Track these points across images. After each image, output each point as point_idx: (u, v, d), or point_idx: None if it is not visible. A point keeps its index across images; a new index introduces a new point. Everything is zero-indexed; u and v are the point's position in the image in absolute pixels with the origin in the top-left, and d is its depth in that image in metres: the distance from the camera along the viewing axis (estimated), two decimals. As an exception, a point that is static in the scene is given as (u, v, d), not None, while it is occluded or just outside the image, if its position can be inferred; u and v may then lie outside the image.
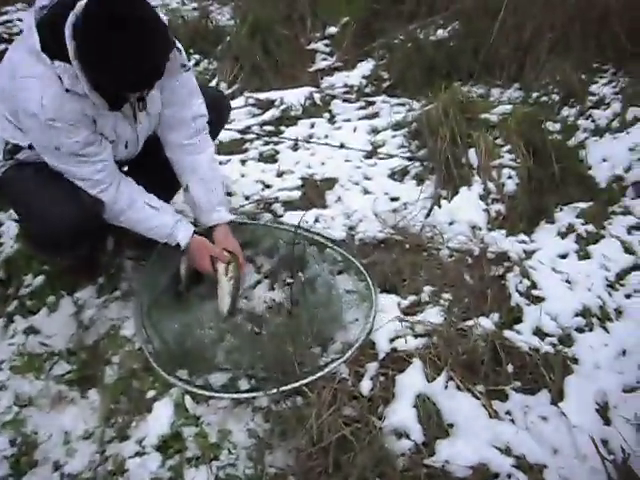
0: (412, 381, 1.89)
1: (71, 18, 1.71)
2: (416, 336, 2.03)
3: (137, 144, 2.12)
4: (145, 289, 2.29)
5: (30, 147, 1.96)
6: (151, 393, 1.97)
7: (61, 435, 1.89)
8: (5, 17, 5.19)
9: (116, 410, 1.94)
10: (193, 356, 2.02)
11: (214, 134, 2.38)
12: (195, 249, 2.17)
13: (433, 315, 2.10)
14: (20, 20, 5.03)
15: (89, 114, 1.84)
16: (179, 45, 1.96)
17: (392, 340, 2.03)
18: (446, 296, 2.20)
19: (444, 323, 2.05)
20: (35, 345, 2.18)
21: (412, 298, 2.20)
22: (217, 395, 1.89)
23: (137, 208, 2.07)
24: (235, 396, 1.88)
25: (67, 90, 1.75)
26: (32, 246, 2.34)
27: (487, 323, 2.06)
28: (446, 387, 1.87)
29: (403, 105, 3.50)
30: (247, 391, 1.89)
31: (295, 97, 3.56)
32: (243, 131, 3.34)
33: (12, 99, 1.83)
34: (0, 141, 1.99)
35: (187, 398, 1.92)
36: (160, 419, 1.87)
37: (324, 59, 3.97)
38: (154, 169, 2.19)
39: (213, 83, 3.81)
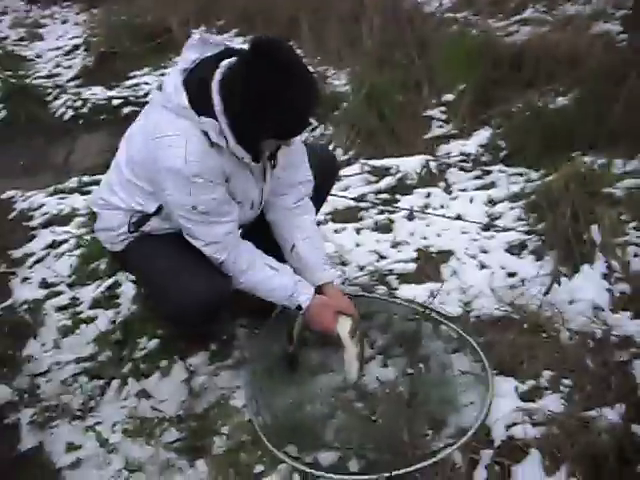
0: (529, 473, 1.81)
1: (218, 75, 1.84)
2: (534, 424, 1.95)
3: (260, 205, 2.20)
4: (257, 358, 2.33)
5: (156, 213, 2.06)
6: (259, 468, 1.97)
7: (168, 504, 1.94)
8: (133, 81, 5.54)
9: (222, 484, 1.96)
10: (302, 432, 2.02)
11: (324, 191, 2.46)
12: (318, 308, 2.15)
13: (553, 402, 2.01)
14: (147, 83, 5.38)
15: (226, 172, 1.94)
16: None
17: (508, 427, 1.95)
18: (566, 382, 2.10)
19: (565, 412, 1.97)
20: (147, 409, 2.25)
21: (530, 383, 2.11)
22: (327, 475, 1.88)
23: (257, 269, 2.11)
24: (345, 477, 1.87)
25: (212, 145, 1.86)
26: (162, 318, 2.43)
27: (612, 414, 1.95)
28: (567, 484, 1.78)
29: (521, 175, 3.44)
30: (356, 473, 1.87)
31: (411, 165, 3.58)
32: (358, 199, 3.39)
33: (148, 161, 1.95)
34: (125, 214, 2.11)
35: (295, 476, 1.91)
36: (267, 496, 1.88)
37: (440, 126, 3.98)
38: (266, 231, 2.29)
39: (330, 150, 3.89)
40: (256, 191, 2.12)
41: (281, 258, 2.32)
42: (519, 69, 4.08)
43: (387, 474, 1.82)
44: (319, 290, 2.23)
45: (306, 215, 2.29)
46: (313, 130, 4.17)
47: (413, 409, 2.05)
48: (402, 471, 1.83)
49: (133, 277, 2.65)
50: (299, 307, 2.15)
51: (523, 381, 2.12)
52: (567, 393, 2.06)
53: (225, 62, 1.87)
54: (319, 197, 2.45)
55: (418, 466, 1.84)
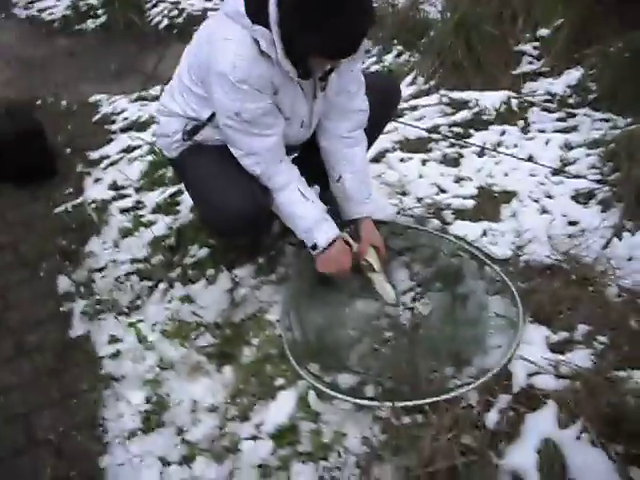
0: (542, 423, 1.78)
1: None
2: (558, 376, 1.91)
3: (310, 126, 2.19)
4: (299, 277, 2.37)
5: (209, 120, 2.10)
6: (280, 381, 2.04)
7: (190, 403, 2.04)
8: None
9: (244, 390, 2.04)
10: (327, 352, 2.07)
11: (382, 122, 2.43)
12: (337, 252, 2.17)
13: (582, 357, 1.95)
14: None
15: (275, 83, 1.94)
16: None
17: (530, 375, 1.92)
18: (602, 339, 2.03)
19: (592, 368, 1.91)
20: (187, 313, 2.35)
21: (563, 334, 2.06)
22: (340, 396, 1.92)
23: (288, 190, 2.12)
24: (357, 401, 1.90)
25: (261, 53, 1.85)
26: (204, 225, 2.50)
27: (642, 378, 1.89)
28: (578, 438, 1.74)
29: (607, 121, 3.25)
30: (370, 399, 1.91)
31: (491, 100, 3.45)
32: (430, 130, 3.31)
33: (203, 64, 1.97)
34: (181, 122, 2.15)
35: (312, 393, 1.97)
36: (281, 408, 1.94)
37: (530, 62, 3.78)
38: (316, 160, 2.28)
39: (410, 77, 3.79)
40: (305, 108, 2.10)
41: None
42: (628, 4, 3.78)
43: (396, 403, 1.84)
44: (356, 223, 2.28)
45: (357, 147, 2.27)
46: (398, 56, 4.06)
47: (439, 344, 2.04)
48: (411, 403, 1.85)
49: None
50: (314, 246, 2.15)
51: (556, 331, 2.07)
52: (600, 350, 1.99)
53: None
54: (376, 128, 2.42)
55: (428, 400, 1.85)
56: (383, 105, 2.36)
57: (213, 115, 2.09)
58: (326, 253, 2.15)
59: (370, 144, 2.43)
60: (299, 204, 2.12)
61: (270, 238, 2.57)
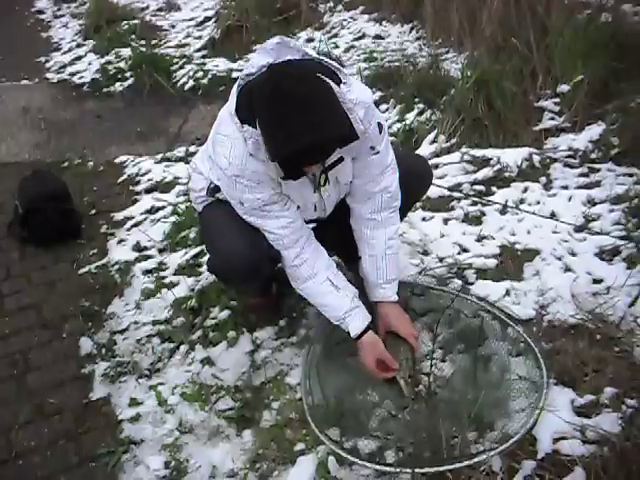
0: (570, 492, 1.74)
1: None
2: (585, 442, 1.86)
3: (325, 210, 2.20)
4: (320, 339, 2.36)
5: None
6: (300, 446, 2.02)
7: (209, 468, 2.03)
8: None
9: (263, 455, 2.02)
10: (348, 417, 2.05)
11: (410, 203, 2.43)
12: (364, 347, 2.13)
13: (610, 422, 1.90)
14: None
15: (273, 177, 1.96)
16: (381, 119, 2.02)
17: (556, 440, 1.87)
18: (630, 402, 1.97)
19: (621, 434, 1.85)
20: (208, 376, 2.35)
21: (589, 397, 2.01)
22: (360, 462, 1.89)
23: (317, 281, 2.12)
24: (377, 467, 1.87)
25: (250, 154, 1.89)
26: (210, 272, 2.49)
27: (675, 445, 1.83)
28: (608, 509, 1.69)
29: (631, 176, 3.21)
30: (390, 465, 1.87)
31: (512, 157, 3.44)
32: (452, 188, 3.31)
33: (213, 149, 2.04)
34: (207, 179, 2.20)
35: (331, 459, 1.94)
36: (301, 474, 1.92)
37: (551, 118, 3.76)
38: (342, 231, 2.28)
39: (432, 135, 3.80)
40: (315, 196, 2.11)
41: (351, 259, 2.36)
42: (646, 61, 3.79)
43: (418, 470, 1.80)
44: (379, 306, 2.25)
45: (379, 230, 2.22)
46: (420, 114, 4.09)
47: (461, 408, 2.00)
48: (433, 470, 1.80)
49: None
50: (349, 333, 2.14)
51: (582, 395, 2.02)
52: (628, 414, 1.93)
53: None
54: (404, 208, 2.41)
55: (451, 467, 1.80)
56: (414, 187, 2.36)
57: None
58: (361, 343, 2.13)
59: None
60: (330, 295, 2.12)
61: (291, 299, 2.57)
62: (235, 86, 1.95)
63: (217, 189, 2.18)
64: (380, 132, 2.03)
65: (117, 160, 4.06)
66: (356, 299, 2.14)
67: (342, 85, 1.87)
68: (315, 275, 2.11)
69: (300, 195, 2.07)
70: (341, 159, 2.00)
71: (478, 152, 3.57)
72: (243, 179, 1.94)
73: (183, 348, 2.50)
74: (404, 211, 2.43)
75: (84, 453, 2.16)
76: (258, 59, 1.91)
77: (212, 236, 2.24)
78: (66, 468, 2.11)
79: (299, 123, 1.68)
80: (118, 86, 5.27)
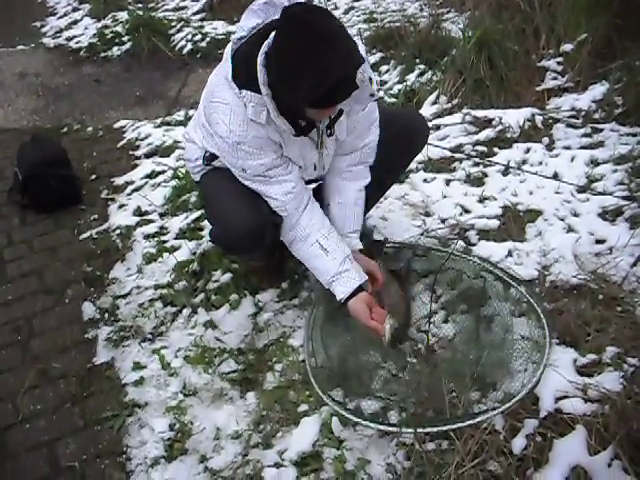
0: (571, 449, 1.74)
1: (264, 47, 1.81)
2: (586, 400, 1.86)
3: (324, 168, 2.19)
4: (322, 302, 2.36)
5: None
6: (303, 407, 2.04)
7: (213, 430, 2.04)
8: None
9: (267, 417, 2.04)
10: (351, 378, 2.06)
11: (406, 160, 2.40)
12: (351, 311, 2.09)
13: (611, 380, 1.90)
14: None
15: (275, 140, 1.94)
16: (371, 74, 1.97)
17: (558, 399, 1.88)
18: (632, 361, 1.98)
19: (622, 392, 1.86)
20: (211, 339, 2.36)
21: (591, 357, 2.01)
22: (363, 422, 1.90)
23: (307, 243, 2.10)
24: (380, 427, 1.88)
25: (251, 119, 1.86)
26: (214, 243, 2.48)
27: (675, 401, 1.83)
28: (609, 465, 1.69)
29: (634, 136, 3.19)
30: (393, 425, 1.88)
31: (515, 118, 3.41)
32: (454, 149, 3.29)
33: (208, 116, 2.00)
34: (201, 150, 2.19)
35: (335, 419, 1.95)
36: (305, 435, 1.93)
37: (554, 78, 3.72)
38: None
39: (433, 96, 3.76)
40: (315, 155, 2.10)
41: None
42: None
43: (421, 429, 1.81)
44: None
45: (353, 182, 2.24)
46: (420, 75, 4.05)
47: (464, 368, 2.01)
48: (435, 429, 1.82)
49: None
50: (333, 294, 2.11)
51: (584, 354, 2.03)
52: (629, 373, 1.94)
53: (273, 33, 1.82)
54: (399, 166, 2.44)
55: (453, 426, 1.81)
56: (409, 143, 2.36)
57: None
58: (349, 308, 2.09)
59: (393, 180, 2.50)
60: (318, 259, 2.10)
61: (292, 262, 2.56)
62: (228, 51, 1.92)
63: (213, 157, 2.16)
64: (371, 84, 2.01)
65: (116, 125, 4.02)
66: (347, 262, 2.09)
67: None
68: (307, 237, 2.10)
69: (301, 156, 2.06)
70: (341, 112, 2.00)
71: (480, 113, 3.54)
72: (245, 145, 1.92)
73: (185, 312, 2.49)
74: (402, 169, 2.43)
75: (89, 416, 2.17)
76: (247, 21, 1.90)
77: (213, 207, 2.23)
78: (72, 431, 2.12)
79: (331, 56, 1.68)
80: (116, 50, 5.21)
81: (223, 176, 2.12)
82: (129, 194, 3.29)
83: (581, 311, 2.18)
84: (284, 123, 1.88)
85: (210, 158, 2.17)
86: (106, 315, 2.55)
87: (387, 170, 2.34)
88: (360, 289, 2.07)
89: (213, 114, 1.95)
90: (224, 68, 1.91)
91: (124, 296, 2.63)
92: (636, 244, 2.47)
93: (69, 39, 5.50)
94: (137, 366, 2.30)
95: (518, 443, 1.79)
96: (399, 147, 2.25)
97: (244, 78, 1.85)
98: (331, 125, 2.02)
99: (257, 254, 2.39)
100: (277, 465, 1.88)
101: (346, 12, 5.35)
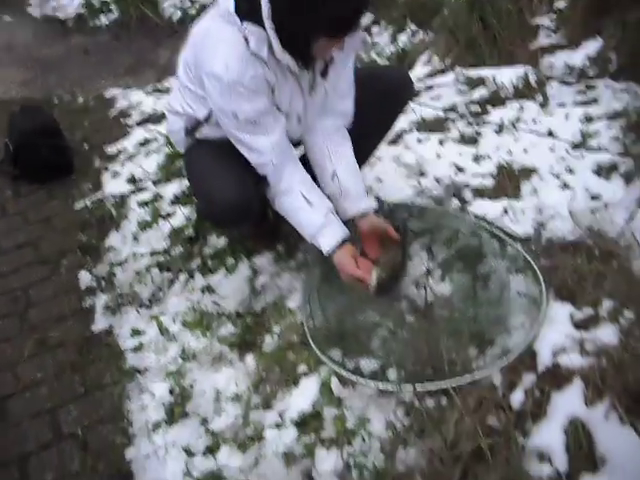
0: (569, 402, 1.75)
1: None
2: (583, 354, 1.87)
3: (306, 122, 2.16)
4: (318, 263, 2.35)
5: (207, 120, 2.09)
6: (302, 368, 2.05)
7: (213, 393, 2.06)
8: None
9: (266, 378, 2.05)
10: (349, 338, 2.07)
11: (391, 117, 2.39)
12: (336, 264, 2.07)
13: (607, 334, 1.91)
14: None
15: (270, 81, 1.92)
16: None
17: (556, 354, 1.89)
18: (628, 315, 1.98)
19: (618, 345, 1.87)
20: (208, 303, 2.36)
21: (588, 311, 2.01)
22: (362, 381, 1.92)
23: (292, 196, 2.06)
24: (379, 385, 1.89)
25: (252, 54, 1.83)
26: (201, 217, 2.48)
27: (671, 353, 1.85)
28: (606, 417, 1.71)
29: (628, 92, 3.16)
30: (393, 382, 1.89)
31: (508, 76, 3.37)
32: (447, 109, 3.26)
33: (197, 64, 1.95)
34: (182, 120, 2.16)
35: (334, 379, 1.97)
36: (304, 395, 1.95)
37: (548, 36, 3.68)
38: None
39: (425, 56, 3.73)
40: (301, 103, 2.07)
41: None
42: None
43: (419, 386, 1.83)
44: (361, 218, 2.17)
45: (345, 145, 2.21)
46: (412, 36, 4.00)
47: (461, 325, 2.02)
48: (433, 385, 1.83)
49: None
50: (321, 251, 2.09)
51: (580, 308, 2.03)
52: (625, 326, 1.94)
53: None
54: (385, 124, 2.40)
55: (451, 382, 1.83)
56: (393, 100, 2.33)
57: (210, 115, 2.08)
58: (334, 260, 2.08)
59: (381, 139, 2.45)
60: (302, 211, 2.06)
61: (287, 225, 2.55)
62: None
63: (194, 128, 2.14)
64: None
65: (107, 94, 4.00)
66: (330, 215, 2.06)
67: None
68: (291, 190, 2.06)
69: (289, 102, 2.03)
70: (332, 59, 1.99)
71: (473, 72, 3.51)
72: (241, 87, 1.87)
73: (182, 277, 2.50)
74: (389, 124, 2.41)
75: (90, 383, 2.19)
76: None
77: (197, 183, 2.20)
78: (73, 398, 2.15)
79: None
80: (104, 20, 5.17)
81: (207, 151, 2.11)
82: (122, 162, 3.28)
83: (577, 266, 2.18)
84: (287, 56, 1.85)
85: (191, 130, 2.15)
86: (103, 283, 2.56)
87: (375, 127, 2.34)
88: (344, 242, 2.06)
89: (207, 55, 1.89)
90: (221, 5, 1.87)
91: (120, 264, 2.64)
92: (631, 200, 2.47)
93: (56, 9, 5.43)
94: (136, 332, 2.32)
95: (516, 398, 1.80)
96: (386, 103, 2.24)
97: (246, 10, 1.81)
98: (325, 72, 2.02)
99: (246, 227, 2.38)
100: (278, 425, 1.90)
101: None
